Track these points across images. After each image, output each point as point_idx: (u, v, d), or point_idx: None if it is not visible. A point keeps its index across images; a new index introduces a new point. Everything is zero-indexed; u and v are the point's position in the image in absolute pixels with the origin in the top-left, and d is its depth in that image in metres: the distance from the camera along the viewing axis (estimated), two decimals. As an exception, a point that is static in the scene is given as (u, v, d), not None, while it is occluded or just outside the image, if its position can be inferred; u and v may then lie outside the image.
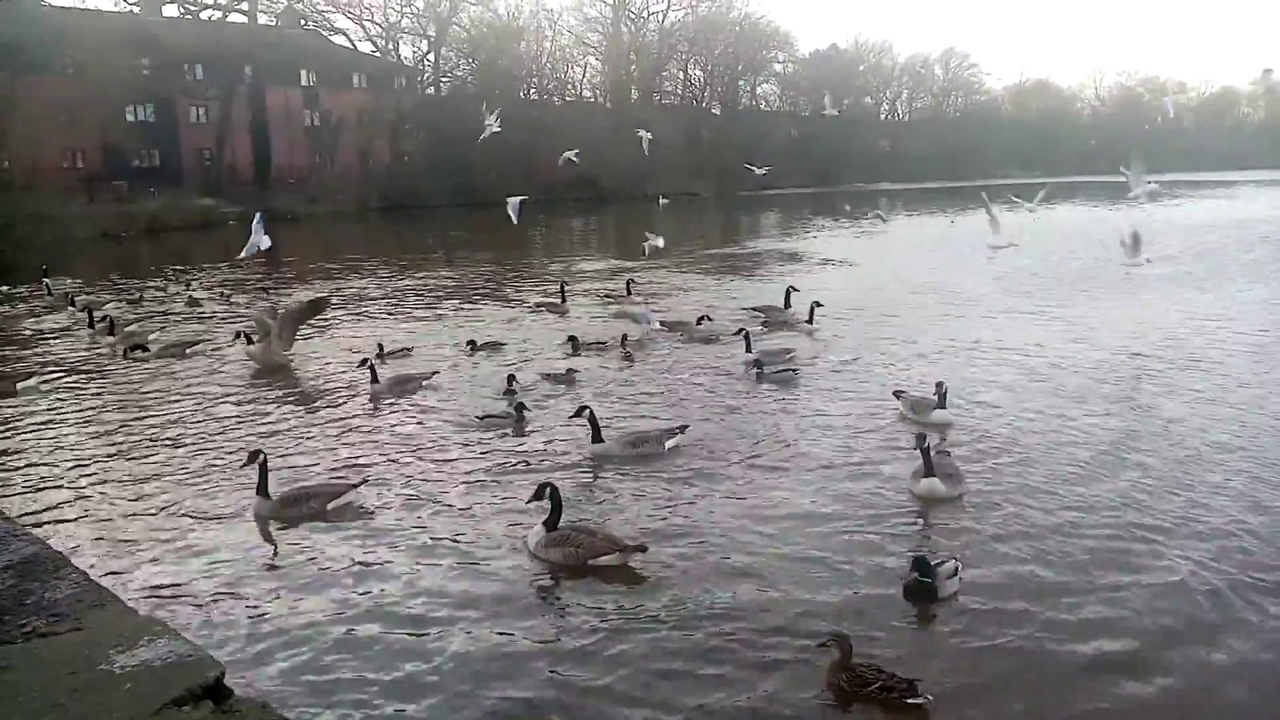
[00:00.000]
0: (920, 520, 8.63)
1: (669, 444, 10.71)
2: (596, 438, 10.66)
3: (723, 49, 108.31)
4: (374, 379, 14.02)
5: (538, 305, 22.68)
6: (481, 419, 12.14)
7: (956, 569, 6.98)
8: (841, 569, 7.56)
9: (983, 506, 8.84)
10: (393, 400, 13.59)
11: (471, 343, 17.06)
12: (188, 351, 17.42)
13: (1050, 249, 32.83)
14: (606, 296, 24.03)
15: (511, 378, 13.90)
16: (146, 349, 17.38)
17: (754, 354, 14.81)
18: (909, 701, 5.59)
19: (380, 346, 16.63)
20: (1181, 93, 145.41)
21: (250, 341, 16.34)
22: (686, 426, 11.10)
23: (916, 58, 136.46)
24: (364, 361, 14.47)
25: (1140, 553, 7.77)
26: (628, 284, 23.92)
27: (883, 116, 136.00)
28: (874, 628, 6.59)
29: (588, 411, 10.77)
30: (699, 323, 17.92)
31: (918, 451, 8.97)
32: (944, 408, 11.46)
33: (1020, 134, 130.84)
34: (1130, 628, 6.61)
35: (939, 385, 11.64)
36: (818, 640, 6.06)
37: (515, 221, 25.26)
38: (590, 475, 10.19)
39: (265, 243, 19.62)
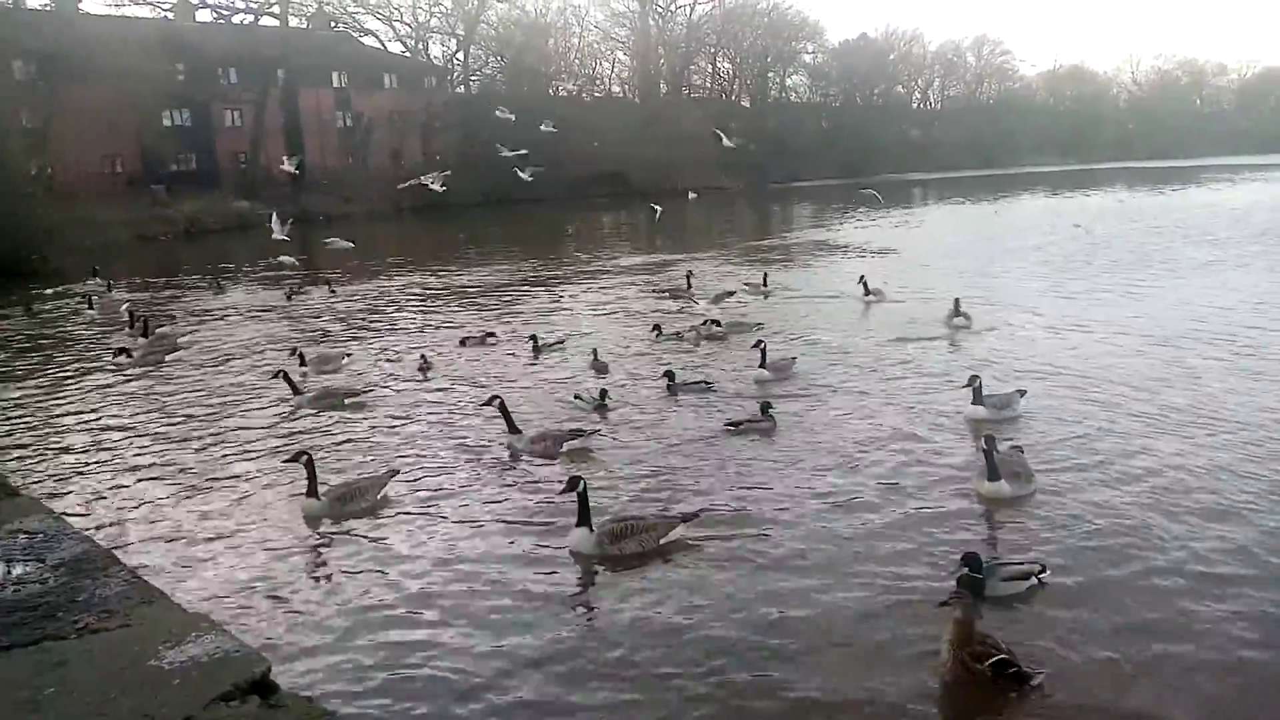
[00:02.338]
0: (985, 521, 8.45)
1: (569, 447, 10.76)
2: (511, 429, 10.95)
3: (751, 41, 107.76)
4: (294, 391, 13.61)
5: (663, 291, 23.32)
6: (576, 399, 12.58)
7: (1030, 573, 6.89)
8: (892, 568, 7.46)
9: (1052, 505, 8.62)
10: (421, 395, 13.72)
11: (534, 338, 17.05)
12: (167, 359, 17.23)
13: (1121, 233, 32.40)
14: (661, 291, 23.95)
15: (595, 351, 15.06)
16: (131, 354, 17.16)
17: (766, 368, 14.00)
18: (1030, 684, 5.59)
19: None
20: (1221, 75, 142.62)
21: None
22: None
23: (948, 45, 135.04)
24: (279, 373, 13.99)
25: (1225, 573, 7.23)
26: (688, 276, 23.80)
27: (914, 106, 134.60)
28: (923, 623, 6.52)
29: (498, 401, 11.16)
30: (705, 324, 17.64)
31: (982, 451, 8.81)
32: (980, 403, 11.17)
33: (1055, 121, 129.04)
34: (1211, 642, 6.30)
35: (973, 379, 11.33)
36: (939, 600, 5.97)
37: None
38: (645, 465, 10.21)
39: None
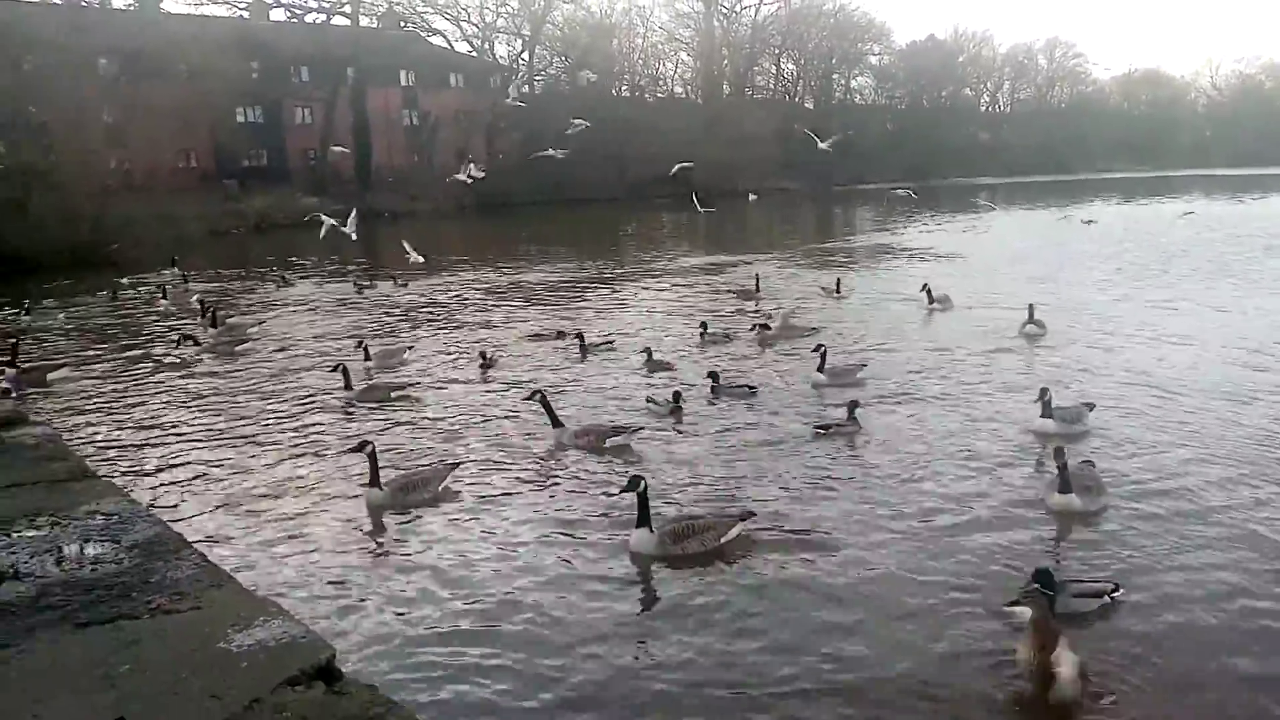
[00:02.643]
0: (1053, 535, 8.25)
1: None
2: (555, 423, 11.09)
3: (816, 42, 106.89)
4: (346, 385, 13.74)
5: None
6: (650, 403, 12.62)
7: (1103, 591, 6.75)
8: (956, 580, 7.32)
9: (1123, 520, 8.39)
10: (473, 391, 13.85)
11: (579, 336, 17.03)
12: (237, 350, 17.62)
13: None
14: (733, 291, 23.88)
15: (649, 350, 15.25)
16: (198, 341, 17.70)
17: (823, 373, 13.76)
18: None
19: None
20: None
21: (368, 355, 16.23)
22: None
23: (1019, 47, 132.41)
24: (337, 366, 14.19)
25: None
26: (756, 279, 23.64)
27: (983, 108, 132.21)
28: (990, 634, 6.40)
29: (539, 395, 11.27)
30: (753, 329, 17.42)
31: (1055, 464, 8.57)
32: (1050, 416, 10.84)
33: (1129, 126, 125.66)
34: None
35: (1043, 392, 10.99)
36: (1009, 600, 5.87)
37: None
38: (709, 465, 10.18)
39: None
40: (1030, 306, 17.17)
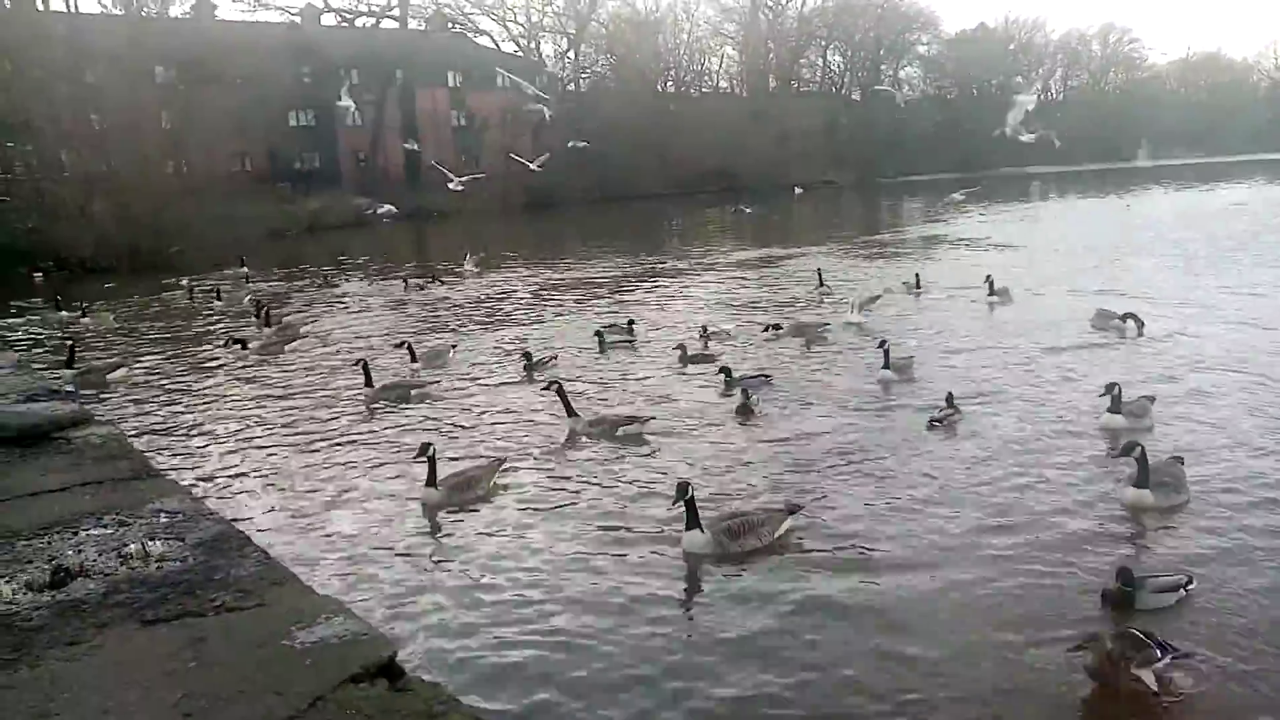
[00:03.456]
0: (1128, 530, 8.06)
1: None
2: (570, 413, 11.41)
3: (863, 33, 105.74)
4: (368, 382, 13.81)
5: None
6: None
7: (1179, 585, 6.62)
8: (1038, 575, 7.20)
9: (1203, 515, 8.19)
10: (506, 390, 13.97)
11: (598, 333, 17.14)
12: (286, 349, 17.93)
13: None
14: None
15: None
16: (245, 345, 17.79)
17: (888, 368, 13.45)
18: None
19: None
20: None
21: (414, 355, 16.13)
22: None
23: (1072, 34, 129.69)
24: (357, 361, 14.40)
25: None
26: (818, 273, 23.25)
27: (1035, 97, 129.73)
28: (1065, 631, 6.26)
29: (556, 386, 11.62)
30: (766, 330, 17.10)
31: (1134, 458, 8.36)
32: (1118, 412, 10.55)
33: (1186, 112, 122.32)
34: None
35: (1111, 387, 10.70)
36: (1071, 645, 5.74)
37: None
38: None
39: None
40: (989, 278, 18.35)
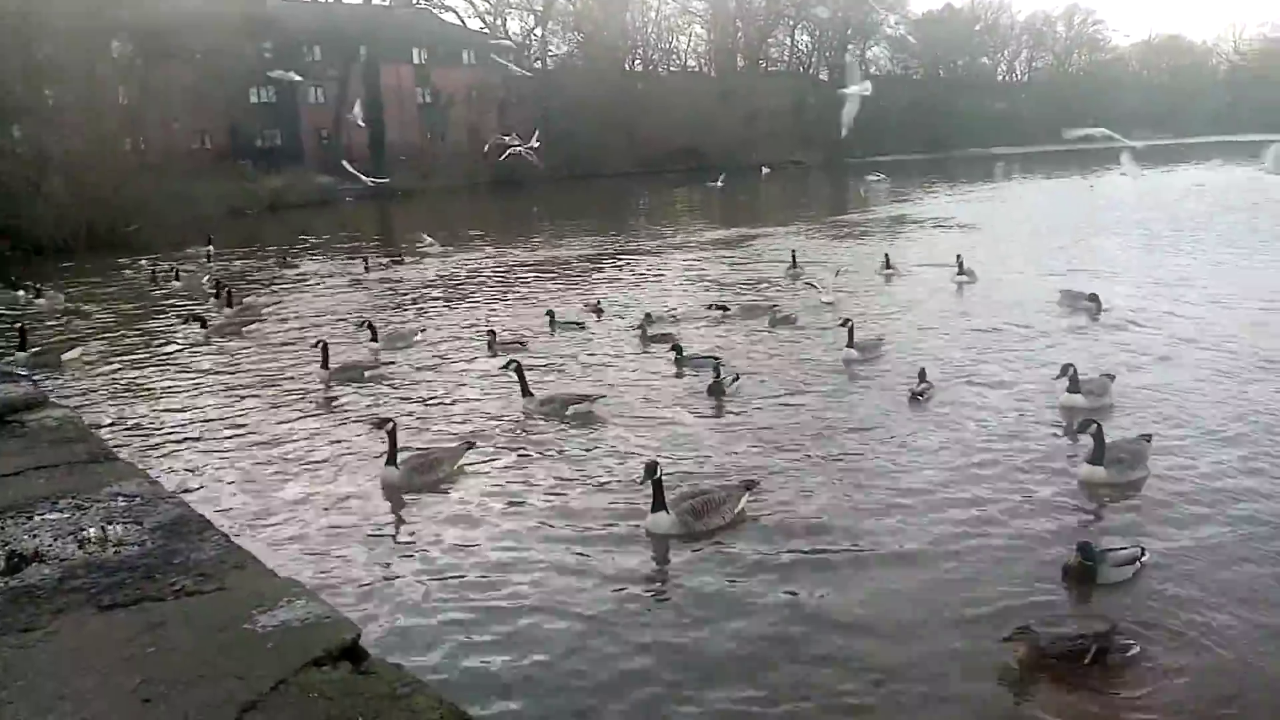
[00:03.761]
0: (1083, 506, 8.24)
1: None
2: (525, 392, 11.62)
3: (831, 13, 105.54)
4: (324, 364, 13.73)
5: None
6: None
7: (1135, 557, 6.77)
8: (997, 550, 7.35)
9: (1161, 491, 8.38)
10: (464, 371, 13.96)
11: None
12: (245, 330, 17.63)
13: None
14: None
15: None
16: (204, 323, 17.53)
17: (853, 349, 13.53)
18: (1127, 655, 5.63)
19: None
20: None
21: (374, 335, 16.02)
22: None
23: (1037, 15, 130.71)
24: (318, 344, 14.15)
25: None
26: (792, 255, 23.02)
27: (1000, 78, 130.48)
28: (1026, 608, 6.40)
29: (515, 364, 11.80)
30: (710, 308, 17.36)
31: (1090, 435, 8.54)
32: (1077, 391, 10.70)
33: (1149, 93, 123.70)
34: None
35: (1066, 368, 10.87)
36: (1003, 635, 5.83)
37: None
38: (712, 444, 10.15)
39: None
40: (959, 257, 18.80)
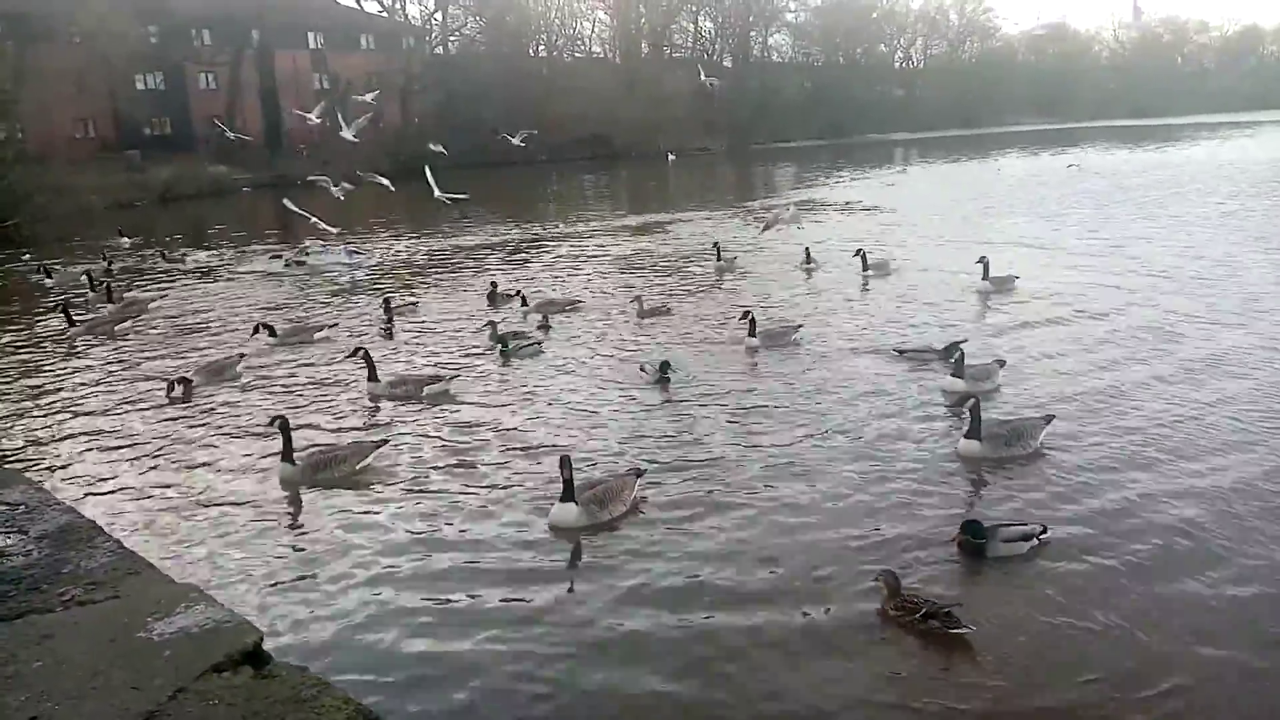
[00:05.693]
0: (967, 481, 8.54)
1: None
2: (372, 377, 11.83)
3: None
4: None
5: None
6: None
7: (1031, 534, 7.01)
8: (886, 523, 7.63)
9: (1047, 466, 8.72)
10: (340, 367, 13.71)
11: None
12: (117, 329, 16.86)
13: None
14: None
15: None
16: (72, 321, 16.65)
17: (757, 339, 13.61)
18: (952, 632, 5.88)
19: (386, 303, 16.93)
20: (1203, 33, 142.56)
21: (273, 333, 15.36)
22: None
23: (931, 3, 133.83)
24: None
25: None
26: (715, 247, 21.89)
27: (897, 65, 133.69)
28: (920, 580, 6.69)
29: (362, 352, 12.00)
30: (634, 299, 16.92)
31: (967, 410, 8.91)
32: (960, 375, 10.91)
33: (1036, 80, 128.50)
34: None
35: (951, 350, 11.32)
36: (870, 579, 6.36)
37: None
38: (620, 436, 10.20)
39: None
40: (859, 252, 19.24)
